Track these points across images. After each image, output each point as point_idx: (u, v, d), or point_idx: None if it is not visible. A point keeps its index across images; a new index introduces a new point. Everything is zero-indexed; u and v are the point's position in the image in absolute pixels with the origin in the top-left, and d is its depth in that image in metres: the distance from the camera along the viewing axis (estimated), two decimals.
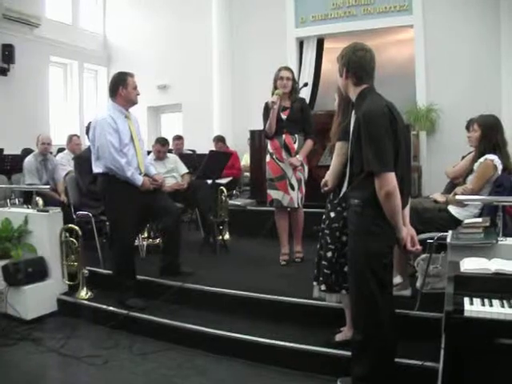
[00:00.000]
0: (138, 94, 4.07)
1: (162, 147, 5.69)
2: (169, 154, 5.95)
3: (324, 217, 3.01)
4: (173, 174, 5.74)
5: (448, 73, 8.11)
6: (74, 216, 4.86)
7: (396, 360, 2.61)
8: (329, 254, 2.93)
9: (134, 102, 4.07)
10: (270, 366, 3.17)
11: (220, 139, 8.16)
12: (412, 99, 8.41)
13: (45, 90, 10.10)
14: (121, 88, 3.96)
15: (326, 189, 3.00)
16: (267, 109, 4.50)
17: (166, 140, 5.89)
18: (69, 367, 3.29)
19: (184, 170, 5.83)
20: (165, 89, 10.85)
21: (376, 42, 8.07)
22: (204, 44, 9.94)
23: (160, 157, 5.69)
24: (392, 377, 2.52)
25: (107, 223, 4.54)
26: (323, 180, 3.02)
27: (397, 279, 3.36)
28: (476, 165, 3.52)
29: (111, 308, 3.95)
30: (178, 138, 7.67)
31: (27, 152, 6.54)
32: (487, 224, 2.89)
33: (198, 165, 5.64)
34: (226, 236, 5.71)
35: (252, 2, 9.69)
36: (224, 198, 5.79)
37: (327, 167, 3.11)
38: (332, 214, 2.94)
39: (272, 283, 3.98)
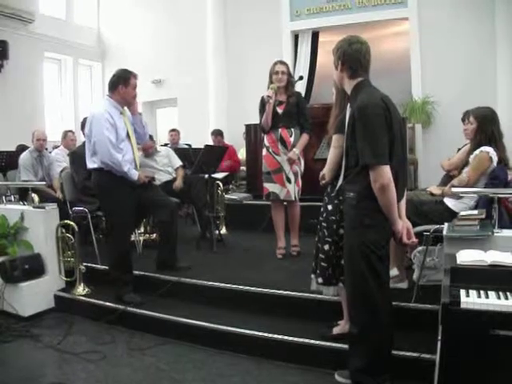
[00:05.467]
0: (135, 96, 4.03)
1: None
2: (160, 148, 5.90)
3: (322, 209, 3.01)
4: (167, 168, 5.70)
5: (443, 65, 8.10)
6: (70, 212, 4.84)
7: (393, 352, 2.62)
8: (326, 247, 2.93)
9: (129, 103, 4.03)
10: (267, 360, 3.18)
11: (219, 133, 8.22)
12: (407, 92, 8.42)
13: (39, 86, 10.04)
14: (121, 86, 3.93)
15: (323, 182, 3.00)
16: (263, 103, 4.49)
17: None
18: (67, 363, 3.29)
19: (178, 163, 5.78)
20: (160, 83, 10.80)
21: (371, 34, 8.07)
22: (199, 38, 9.89)
23: (148, 153, 5.62)
24: (389, 369, 2.54)
25: (103, 219, 4.53)
26: (321, 173, 3.01)
27: (393, 272, 3.36)
28: (471, 157, 3.53)
29: (108, 303, 3.96)
30: (173, 130, 7.72)
31: (22, 148, 6.50)
32: (483, 216, 2.90)
33: (194, 159, 5.62)
34: (223, 230, 5.71)
35: None
36: (220, 193, 5.78)
37: (323, 160, 3.10)
38: (330, 207, 2.94)
39: (269, 277, 3.98)
